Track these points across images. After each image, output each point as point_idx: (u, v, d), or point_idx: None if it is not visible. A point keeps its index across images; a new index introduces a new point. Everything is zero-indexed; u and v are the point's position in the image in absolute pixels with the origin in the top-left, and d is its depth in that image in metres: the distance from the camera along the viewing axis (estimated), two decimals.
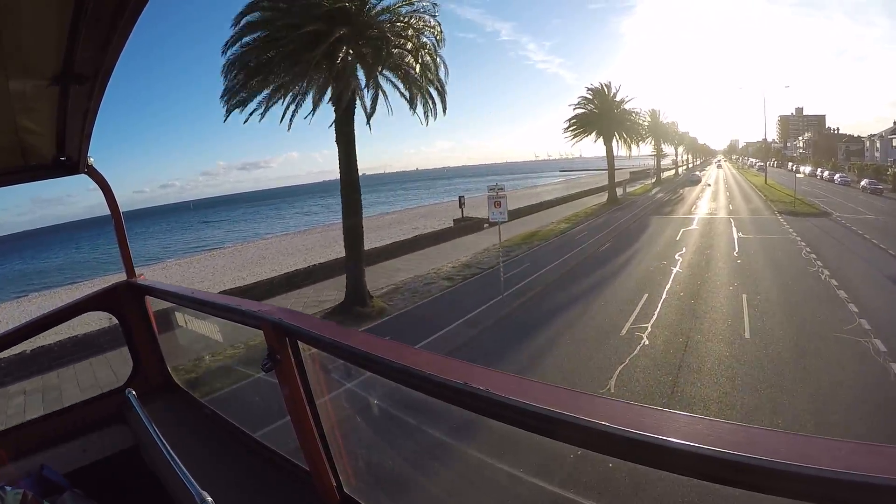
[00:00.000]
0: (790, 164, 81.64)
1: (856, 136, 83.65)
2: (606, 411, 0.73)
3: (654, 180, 69.85)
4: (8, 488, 1.45)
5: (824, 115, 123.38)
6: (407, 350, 1.08)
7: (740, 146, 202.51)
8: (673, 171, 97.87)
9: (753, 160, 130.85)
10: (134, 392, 2.16)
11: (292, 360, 1.41)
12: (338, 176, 15.11)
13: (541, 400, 0.77)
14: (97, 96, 1.47)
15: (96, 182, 2.38)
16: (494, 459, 5.27)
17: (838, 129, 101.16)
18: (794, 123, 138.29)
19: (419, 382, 0.96)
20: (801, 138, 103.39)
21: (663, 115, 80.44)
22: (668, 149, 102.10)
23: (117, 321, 2.49)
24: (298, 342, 1.40)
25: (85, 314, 2.44)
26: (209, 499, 1.37)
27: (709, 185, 61.54)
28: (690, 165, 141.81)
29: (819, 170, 66.90)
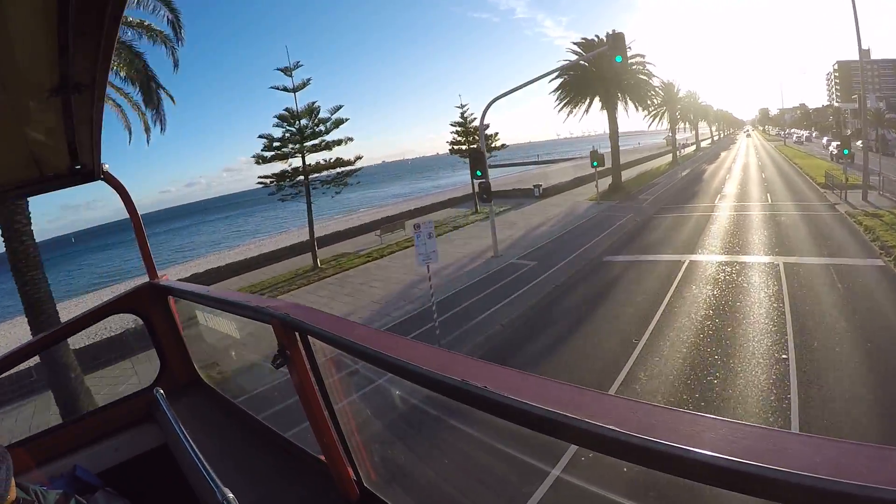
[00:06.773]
0: None
1: None
2: (616, 412, 0.68)
3: None
4: (43, 488, 1.49)
5: None
6: (424, 349, 1.02)
7: (772, 114, 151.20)
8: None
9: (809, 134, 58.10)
10: (162, 391, 2.21)
11: (303, 355, 1.40)
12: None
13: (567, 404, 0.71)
14: (98, 104, 1.49)
15: (113, 187, 2.44)
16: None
17: None
18: (860, 72, 62.67)
19: (436, 386, 0.90)
20: None
21: (679, 87, 59.12)
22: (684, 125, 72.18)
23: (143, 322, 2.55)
24: (310, 338, 1.38)
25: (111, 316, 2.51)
26: (230, 495, 1.38)
27: None
28: (716, 138, 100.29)
29: None
